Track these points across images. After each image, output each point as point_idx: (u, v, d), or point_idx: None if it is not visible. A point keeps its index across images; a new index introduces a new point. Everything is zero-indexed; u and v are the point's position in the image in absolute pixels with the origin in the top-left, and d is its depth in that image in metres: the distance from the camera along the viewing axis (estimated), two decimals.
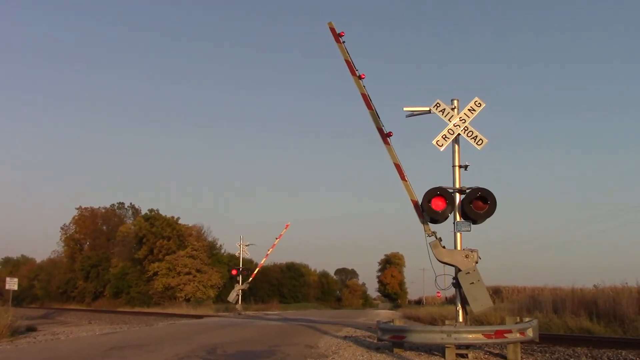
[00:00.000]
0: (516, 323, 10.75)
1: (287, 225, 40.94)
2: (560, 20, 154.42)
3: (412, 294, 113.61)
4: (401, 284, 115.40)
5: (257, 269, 43.46)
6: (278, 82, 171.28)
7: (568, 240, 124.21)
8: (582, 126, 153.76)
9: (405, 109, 12.73)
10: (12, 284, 34.12)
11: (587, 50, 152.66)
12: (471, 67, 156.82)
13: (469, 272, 10.95)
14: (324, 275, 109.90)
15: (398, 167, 12.35)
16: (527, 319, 11.05)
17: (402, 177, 12.33)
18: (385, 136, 12.44)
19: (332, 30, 12.65)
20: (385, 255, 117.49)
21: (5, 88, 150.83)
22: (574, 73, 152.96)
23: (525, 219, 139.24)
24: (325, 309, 73.85)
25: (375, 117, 12.53)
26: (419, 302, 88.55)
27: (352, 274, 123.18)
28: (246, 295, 56.94)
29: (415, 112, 12.66)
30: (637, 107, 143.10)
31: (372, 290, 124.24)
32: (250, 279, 41.49)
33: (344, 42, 12.65)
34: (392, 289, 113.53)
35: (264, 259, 42.43)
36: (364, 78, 12.62)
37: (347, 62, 12.64)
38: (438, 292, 70.15)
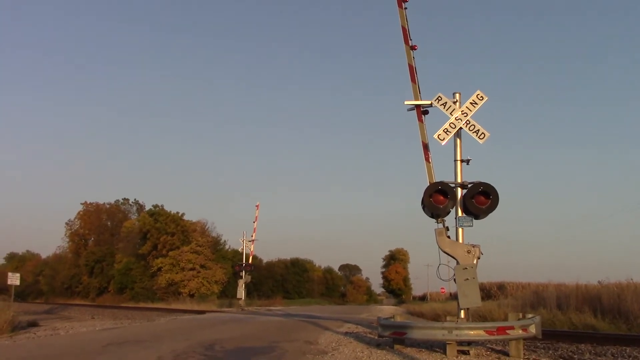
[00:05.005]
0: (519, 319, 10.61)
1: (257, 206, 42.68)
2: (563, 18, 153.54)
3: (417, 290, 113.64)
4: (405, 279, 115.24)
5: (251, 256, 43.82)
6: (289, 79, 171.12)
7: (573, 236, 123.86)
8: (589, 123, 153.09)
9: (406, 102, 12.56)
10: (14, 279, 34.15)
11: (593, 47, 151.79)
12: (474, 61, 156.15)
13: (466, 268, 10.84)
14: (329, 271, 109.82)
15: (425, 146, 12.27)
16: (530, 316, 10.90)
17: (427, 159, 12.26)
18: (421, 113, 12.31)
19: None
20: (390, 251, 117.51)
21: (12, 84, 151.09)
22: (582, 70, 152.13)
23: (529, 215, 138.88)
24: (328, 305, 73.73)
25: (417, 91, 12.39)
26: (423, 298, 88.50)
27: (357, 269, 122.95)
28: (250, 291, 56.95)
29: (416, 106, 12.50)
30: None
31: (377, 286, 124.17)
32: (243, 266, 41.82)
33: (406, 8, 12.44)
34: (396, 285, 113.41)
35: (252, 245, 43.12)
36: (416, 49, 12.45)
37: (403, 28, 12.38)
38: (442, 288, 70.22)
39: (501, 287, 49.66)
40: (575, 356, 10.98)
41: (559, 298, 23.20)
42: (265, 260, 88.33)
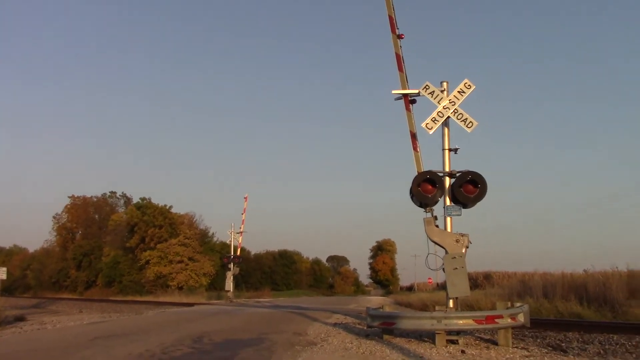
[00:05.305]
0: (507, 308, 10.61)
1: (246, 198, 42.39)
2: (550, 13, 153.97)
3: (404, 281, 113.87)
4: (393, 270, 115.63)
5: (239, 248, 43.65)
6: (278, 72, 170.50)
7: (558, 225, 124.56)
8: (574, 116, 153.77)
9: (393, 91, 12.50)
10: (0, 273, 33.78)
11: (580, 43, 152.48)
12: (463, 50, 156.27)
13: (455, 257, 10.83)
14: (316, 262, 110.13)
15: (413, 136, 12.26)
16: (518, 304, 10.93)
17: (415, 148, 12.26)
18: (409, 102, 12.28)
19: None
20: (377, 242, 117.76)
21: None
22: (569, 65, 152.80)
23: (516, 204, 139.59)
24: (317, 296, 73.86)
25: (404, 80, 12.36)
26: (410, 289, 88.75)
27: (344, 261, 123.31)
28: (238, 283, 56.90)
29: (404, 95, 12.45)
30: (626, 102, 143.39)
31: (364, 277, 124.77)
32: (231, 258, 41.68)
33: None
34: (383, 276, 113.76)
35: (240, 237, 42.98)
36: (402, 38, 12.38)
37: (390, 17, 12.34)
38: (429, 278, 70.47)
39: (487, 276, 49.86)
40: (564, 344, 11.03)
41: (545, 287, 23.35)
42: (253, 252, 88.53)
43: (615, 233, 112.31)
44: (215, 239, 73.19)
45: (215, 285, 62.72)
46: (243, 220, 42.53)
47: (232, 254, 42.85)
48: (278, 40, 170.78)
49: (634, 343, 10.94)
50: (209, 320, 17.17)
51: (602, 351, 10.08)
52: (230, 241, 44.34)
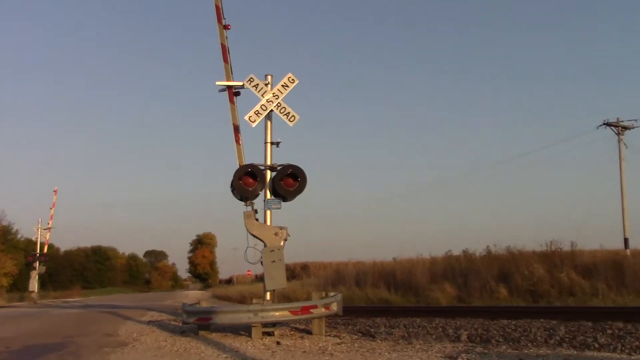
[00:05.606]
0: (321, 298, 10.97)
1: (55, 191, 40.39)
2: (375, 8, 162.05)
3: (223, 274, 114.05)
4: (212, 263, 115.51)
5: (46, 245, 40.84)
6: (88, 57, 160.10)
7: (370, 216, 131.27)
8: (382, 115, 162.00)
9: (217, 83, 12.33)
10: None
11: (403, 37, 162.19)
12: (289, 43, 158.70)
13: (273, 250, 10.94)
14: (133, 257, 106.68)
15: (236, 128, 12.15)
16: (332, 294, 11.35)
17: (237, 141, 12.11)
18: (233, 94, 12.11)
19: None
20: (197, 235, 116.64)
21: None
22: (390, 70, 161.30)
23: (332, 195, 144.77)
24: (132, 293, 71.23)
25: (229, 71, 12.16)
26: (229, 281, 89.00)
27: (163, 255, 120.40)
28: (45, 283, 53.00)
29: (228, 87, 12.32)
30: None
31: (183, 271, 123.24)
32: (37, 256, 38.75)
33: None
34: (203, 269, 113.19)
35: (48, 233, 40.45)
36: (229, 29, 12.18)
37: (216, 7, 12.08)
38: (249, 271, 71.06)
39: (305, 267, 51.64)
40: (372, 329, 11.62)
41: (357, 275, 24.64)
42: (63, 249, 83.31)
43: (423, 221, 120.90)
44: (19, 235, 67.60)
45: (18, 285, 57.83)
46: (52, 215, 39.74)
47: (38, 251, 39.82)
48: (103, 16, 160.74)
49: (433, 325, 11.83)
50: (8, 325, 15.63)
51: (406, 334, 10.76)
52: (37, 238, 41.18)
